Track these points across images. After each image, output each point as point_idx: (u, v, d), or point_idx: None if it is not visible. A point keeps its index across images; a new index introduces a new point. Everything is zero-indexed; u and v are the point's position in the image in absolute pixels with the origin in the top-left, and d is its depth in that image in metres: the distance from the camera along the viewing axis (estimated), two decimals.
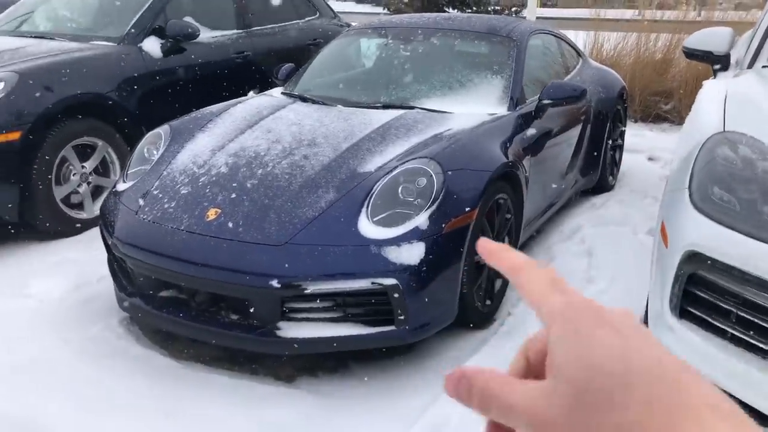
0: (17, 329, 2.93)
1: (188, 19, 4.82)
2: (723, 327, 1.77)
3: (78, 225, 4.03)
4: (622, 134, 5.24)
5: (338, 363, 2.77)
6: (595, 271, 3.55)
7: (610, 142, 4.91)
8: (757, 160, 1.88)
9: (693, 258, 1.81)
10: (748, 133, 1.94)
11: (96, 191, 4.19)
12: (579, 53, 4.97)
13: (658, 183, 5.22)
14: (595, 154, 4.65)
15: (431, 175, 2.67)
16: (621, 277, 3.47)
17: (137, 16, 4.58)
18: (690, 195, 1.90)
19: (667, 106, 7.45)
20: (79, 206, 4.11)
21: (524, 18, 8.85)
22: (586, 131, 4.44)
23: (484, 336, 2.95)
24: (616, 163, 5.18)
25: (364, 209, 2.61)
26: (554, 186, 3.99)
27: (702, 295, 1.82)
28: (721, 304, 1.78)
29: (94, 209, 4.13)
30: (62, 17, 4.87)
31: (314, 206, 2.64)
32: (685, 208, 1.89)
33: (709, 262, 1.76)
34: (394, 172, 2.71)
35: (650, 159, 6.04)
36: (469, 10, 9.90)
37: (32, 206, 3.81)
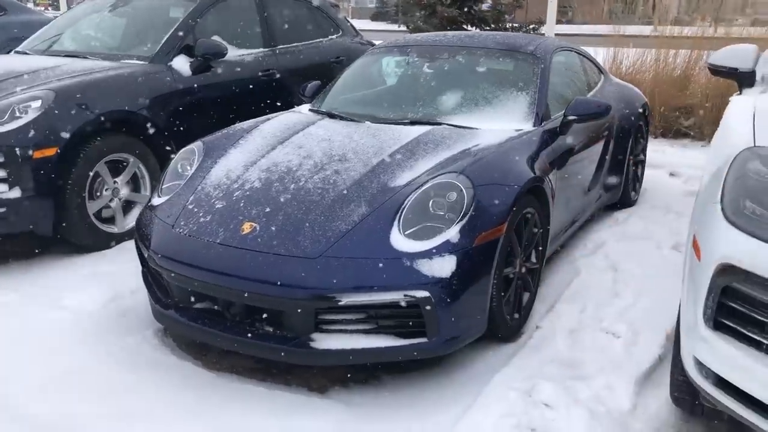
0: (54, 341, 3.00)
1: (216, 38, 4.93)
2: (758, 338, 1.80)
3: (110, 239, 4.12)
4: (644, 150, 5.27)
5: (369, 375, 2.81)
6: (621, 286, 3.57)
7: (632, 157, 4.94)
8: None
9: (727, 270, 1.84)
10: None
11: (126, 206, 4.28)
12: (601, 70, 5.02)
13: (680, 198, 5.25)
14: (618, 169, 4.68)
15: (461, 190, 2.72)
16: (647, 291, 3.49)
17: (167, 36, 4.69)
18: (722, 209, 1.93)
19: (688, 122, 7.46)
20: (111, 220, 4.19)
21: (543, 35, 8.92)
22: (608, 147, 4.48)
23: (513, 349, 2.97)
24: (638, 179, 5.20)
25: (395, 223, 2.66)
26: (578, 201, 4.02)
27: (736, 306, 1.85)
28: (756, 316, 1.81)
29: (125, 223, 4.22)
30: (94, 37, 5.00)
31: (347, 220, 2.70)
32: (718, 221, 1.92)
33: (743, 274, 1.79)
34: (425, 187, 2.77)
35: (671, 174, 6.06)
36: (488, 28, 9.98)
37: (66, 221, 3.90)
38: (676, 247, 4.17)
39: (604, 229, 4.48)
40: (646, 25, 10.74)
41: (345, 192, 2.85)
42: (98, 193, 4.09)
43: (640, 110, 5.02)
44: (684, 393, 2.35)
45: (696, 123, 7.42)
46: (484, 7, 10.22)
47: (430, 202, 2.72)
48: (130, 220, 4.23)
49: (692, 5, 11.85)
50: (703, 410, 2.33)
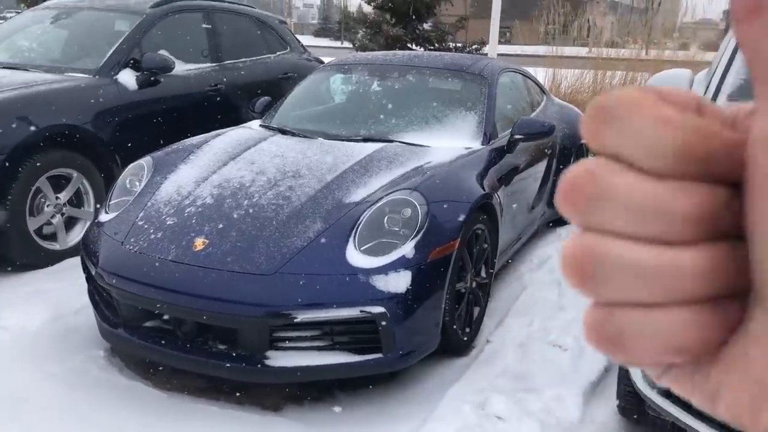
0: None
1: (163, 52, 4.87)
2: None
3: (51, 256, 3.99)
4: None
5: (323, 392, 2.81)
6: (566, 300, 3.68)
7: None
8: None
9: None
10: None
11: (69, 222, 4.16)
12: (543, 90, 5.18)
13: None
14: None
15: (416, 206, 2.76)
16: None
17: (113, 49, 4.61)
18: None
19: None
20: (52, 237, 4.07)
21: (486, 55, 9.15)
22: (552, 165, 4.63)
23: (465, 363, 3.02)
24: None
25: (351, 239, 2.68)
26: (524, 217, 4.13)
27: None
28: None
29: (67, 241, 4.10)
30: (36, 49, 4.86)
31: (302, 236, 2.70)
32: None
33: None
34: (380, 203, 2.80)
35: None
36: (432, 47, 10.16)
37: (5, 237, 3.76)
38: None
39: (548, 245, 4.61)
40: (582, 47, 11.17)
41: (299, 208, 2.85)
42: (40, 209, 3.96)
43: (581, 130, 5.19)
44: (629, 403, 2.44)
45: None
46: (428, 27, 10.42)
47: (385, 219, 2.76)
48: (73, 237, 4.11)
49: (625, 29, 12.34)
50: (648, 419, 2.42)
